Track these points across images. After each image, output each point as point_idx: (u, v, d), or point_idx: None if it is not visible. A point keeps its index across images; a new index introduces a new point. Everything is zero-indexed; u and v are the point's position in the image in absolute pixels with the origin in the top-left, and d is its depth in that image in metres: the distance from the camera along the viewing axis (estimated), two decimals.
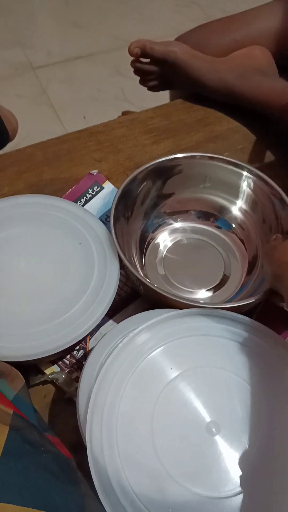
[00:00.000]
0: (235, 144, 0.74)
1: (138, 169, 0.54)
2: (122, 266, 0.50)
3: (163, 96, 0.93)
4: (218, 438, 0.40)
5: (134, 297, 0.55)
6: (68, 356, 0.51)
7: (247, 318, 0.46)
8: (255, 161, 0.72)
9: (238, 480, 0.38)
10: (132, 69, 0.79)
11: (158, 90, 0.83)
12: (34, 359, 0.43)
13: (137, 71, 0.78)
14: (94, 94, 1.71)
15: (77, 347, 0.51)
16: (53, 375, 0.49)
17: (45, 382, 0.50)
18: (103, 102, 1.67)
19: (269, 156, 0.74)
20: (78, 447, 0.41)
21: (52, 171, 0.67)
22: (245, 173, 0.56)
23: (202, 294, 0.55)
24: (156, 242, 0.59)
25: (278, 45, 0.80)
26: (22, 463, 0.32)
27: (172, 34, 0.86)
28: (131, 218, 0.56)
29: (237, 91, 0.74)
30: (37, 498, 0.31)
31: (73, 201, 0.59)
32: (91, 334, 0.52)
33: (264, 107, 0.73)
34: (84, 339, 0.51)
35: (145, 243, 0.58)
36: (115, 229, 0.49)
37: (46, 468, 0.33)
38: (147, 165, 0.54)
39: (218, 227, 0.60)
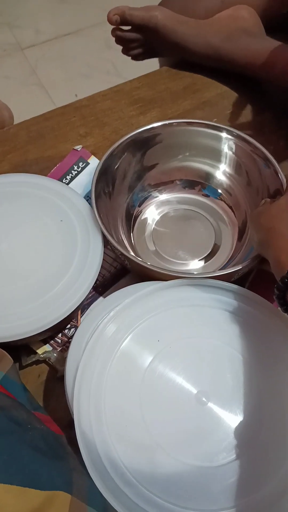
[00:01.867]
0: (224, 110, 0.72)
1: (115, 144, 0.52)
2: (108, 242, 0.49)
3: (156, 67, 0.90)
4: (208, 407, 0.40)
5: (124, 273, 0.54)
6: (60, 335, 0.51)
7: (235, 286, 0.45)
8: (245, 127, 0.70)
9: (230, 449, 0.38)
10: None
11: (143, 59, 0.81)
12: (22, 339, 0.43)
13: (118, 40, 0.76)
14: (85, 71, 1.67)
15: (69, 326, 0.51)
16: (45, 355, 0.49)
17: (38, 362, 0.50)
18: (94, 78, 1.63)
19: (259, 121, 0.71)
20: (72, 424, 0.41)
21: (37, 150, 0.66)
22: (225, 135, 0.54)
23: (195, 264, 0.54)
24: (143, 217, 0.58)
25: (265, 5, 0.77)
26: (7, 441, 0.32)
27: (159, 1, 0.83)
28: (114, 194, 0.54)
29: (224, 54, 0.71)
30: (22, 475, 0.31)
31: (58, 179, 0.58)
32: (82, 311, 0.52)
33: (253, 69, 0.70)
34: (75, 317, 0.51)
35: (131, 219, 0.57)
36: (97, 206, 0.48)
37: (32, 445, 0.33)
38: (124, 138, 0.53)
39: (206, 195, 0.58)
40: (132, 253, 0.53)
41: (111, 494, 0.34)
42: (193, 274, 0.45)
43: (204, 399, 0.40)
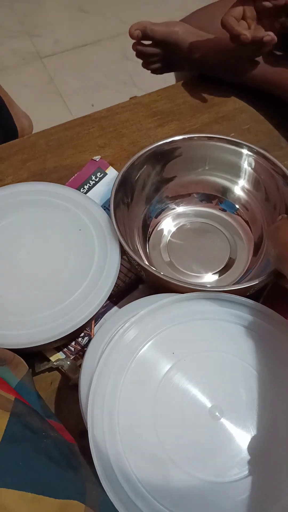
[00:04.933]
0: (241, 125, 0.72)
1: (136, 155, 0.53)
2: (124, 252, 0.49)
3: (172, 80, 0.92)
4: (222, 422, 0.39)
5: (139, 284, 0.55)
6: (73, 343, 0.51)
7: (251, 301, 0.45)
8: (262, 142, 0.70)
9: (242, 465, 0.38)
10: None
11: (162, 73, 0.82)
12: (36, 346, 0.43)
13: (139, 54, 0.77)
14: (102, 81, 1.69)
15: (82, 334, 0.51)
16: (58, 362, 0.49)
17: (51, 369, 0.50)
18: (111, 88, 1.65)
19: (277, 136, 0.72)
20: (83, 433, 0.41)
21: (56, 159, 0.67)
22: (245, 151, 0.55)
23: (209, 278, 0.54)
24: (159, 228, 0.58)
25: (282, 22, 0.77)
26: (22, 449, 0.33)
27: (180, 16, 0.84)
28: (132, 204, 0.55)
29: (243, 69, 0.71)
30: (36, 483, 0.31)
31: (76, 188, 0.59)
32: (96, 320, 0.52)
33: (273, 87, 0.70)
34: (89, 326, 0.52)
35: (148, 229, 0.58)
36: (115, 215, 0.48)
37: (46, 454, 0.33)
38: (145, 150, 0.53)
39: (223, 210, 0.58)
40: (146, 263, 0.53)
41: (123, 506, 0.34)
42: (208, 287, 0.45)
43: (217, 414, 0.40)
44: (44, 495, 0.30)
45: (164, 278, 0.44)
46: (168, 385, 0.41)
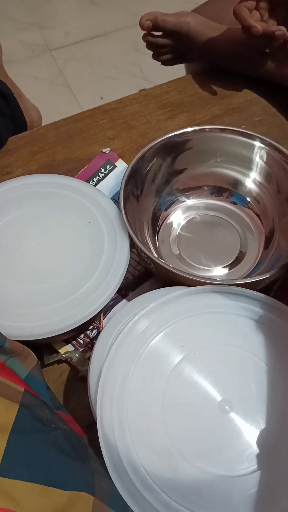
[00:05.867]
0: (253, 117, 0.72)
1: (146, 147, 0.53)
2: (133, 245, 0.49)
3: (182, 72, 0.90)
4: (231, 416, 0.39)
5: (148, 277, 0.54)
6: (82, 336, 0.51)
7: (262, 295, 0.45)
8: (273, 134, 0.70)
9: (252, 459, 0.38)
10: None
11: (172, 64, 0.81)
12: (45, 338, 0.43)
13: (149, 45, 0.76)
14: (111, 73, 1.68)
15: (91, 327, 0.51)
16: (67, 354, 0.49)
17: (60, 361, 0.50)
18: (120, 81, 1.64)
19: None
20: (92, 425, 0.41)
21: (65, 151, 0.66)
22: (257, 143, 0.54)
23: (219, 271, 0.54)
24: (169, 221, 0.58)
25: None
26: (32, 440, 0.33)
27: (191, 7, 0.83)
28: (142, 197, 0.54)
29: (255, 62, 0.70)
30: (45, 475, 0.31)
31: (85, 181, 0.59)
32: (105, 313, 0.52)
33: (285, 79, 0.69)
34: (97, 319, 0.51)
35: (157, 222, 0.57)
36: (124, 208, 0.48)
37: (55, 445, 0.33)
38: (156, 142, 0.53)
39: (233, 203, 0.58)
40: (155, 255, 0.53)
41: (132, 498, 0.34)
42: (218, 280, 0.45)
43: (227, 407, 0.39)
44: (54, 486, 0.30)
45: (174, 271, 0.44)
46: (178, 378, 0.40)
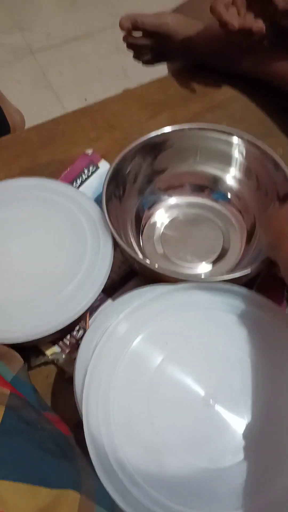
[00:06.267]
0: (234, 113, 0.72)
1: (127, 148, 0.53)
2: (117, 245, 0.49)
3: (165, 72, 0.91)
4: (216, 409, 0.40)
5: (133, 276, 0.55)
6: (68, 337, 0.51)
7: (244, 289, 0.45)
8: (255, 130, 0.70)
9: (237, 451, 0.38)
10: None
11: (153, 64, 0.81)
12: (30, 341, 0.43)
13: (130, 46, 0.76)
14: (94, 74, 1.68)
15: (77, 327, 0.52)
16: (53, 356, 0.49)
17: (46, 363, 0.50)
18: (104, 82, 1.64)
19: (270, 125, 0.71)
20: (79, 425, 0.41)
21: (48, 154, 0.67)
22: (235, 140, 0.54)
23: (203, 268, 0.55)
24: (152, 220, 0.58)
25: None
26: (17, 440, 0.33)
27: (173, 7, 0.83)
28: (124, 197, 0.55)
29: (235, 58, 0.71)
30: (31, 474, 0.31)
31: (69, 183, 0.59)
32: (91, 314, 0.52)
33: (265, 75, 0.70)
34: (83, 319, 0.52)
35: (141, 221, 0.58)
36: (107, 209, 0.48)
37: (41, 445, 0.34)
38: (136, 143, 0.53)
39: (215, 200, 0.58)
40: (140, 255, 0.53)
41: (119, 495, 0.35)
42: (201, 277, 0.45)
43: (211, 401, 0.40)
44: (40, 485, 0.31)
45: (156, 270, 0.44)
46: (162, 374, 0.41)
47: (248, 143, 0.54)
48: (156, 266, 0.45)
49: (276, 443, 0.39)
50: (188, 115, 0.72)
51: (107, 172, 0.51)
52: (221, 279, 0.45)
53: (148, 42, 0.75)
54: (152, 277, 0.47)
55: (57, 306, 0.44)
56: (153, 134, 0.54)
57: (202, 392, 0.40)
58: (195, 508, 0.35)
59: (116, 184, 0.53)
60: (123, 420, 0.38)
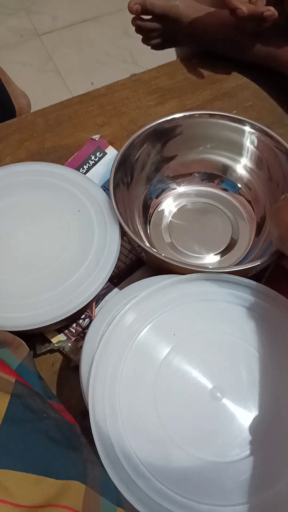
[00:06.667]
0: (244, 102, 0.71)
1: (136, 133, 0.52)
2: (124, 233, 0.49)
3: (173, 57, 0.89)
4: (223, 403, 0.39)
5: (140, 265, 0.54)
6: (74, 325, 0.51)
7: (253, 282, 0.45)
8: (265, 119, 0.69)
9: (244, 445, 0.38)
10: None
11: (162, 48, 0.80)
12: (37, 328, 0.43)
13: (138, 29, 0.75)
14: (101, 58, 1.65)
15: (83, 316, 0.51)
16: (59, 344, 0.49)
17: (52, 351, 0.50)
18: (111, 66, 1.62)
19: (280, 113, 0.70)
20: (85, 413, 0.41)
21: (54, 138, 0.66)
22: (247, 128, 0.53)
23: (210, 259, 0.54)
24: (160, 208, 0.57)
25: None
26: (23, 430, 0.33)
27: None
28: (132, 185, 0.54)
29: (245, 45, 0.69)
30: (37, 464, 0.31)
31: (75, 169, 0.58)
32: (97, 302, 0.52)
33: (275, 62, 0.69)
34: (89, 308, 0.51)
35: (148, 210, 0.57)
36: (115, 196, 0.47)
37: (47, 435, 0.34)
38: (145, 128, 0.52)
39: (224, 189, 0.57)
40: (147, 244, 0.53)
41: (124, 486, 0.35)
42: (209, 268, 0.44)
43: (219, 394, 0.39)
44: (45, 476, 0.30)
45: (165, 259, 0.44)
46: (169, 366, 0.40)
47: (260, 132, 0.53)
48: (163, 255, 0.44)
49: (284, 437, 0.38)
50: (197, 102, 0.70)
51: (115, 158, 0.50)
52: (230, 271, 0.44)
53: (157, 25, 0.74)
54: (159, 267, 0.46)
55: (64, 295, 0.44)
56: (162, 120, 0.53)
57: (209, 385, 0.40)
58: (201, 502, 0.35)
59: (124, 171, 0.52)
60: (130, 411, 0.38)
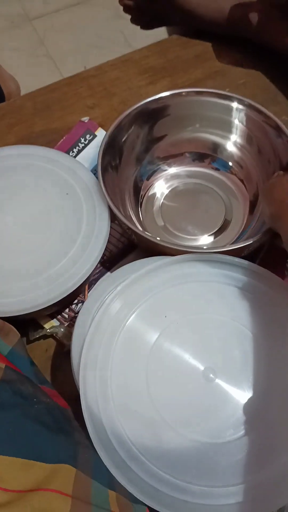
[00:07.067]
0: (237, 79, 0.69)
1: (123, 114, 0.50)
2: (115, 216, 0.48)
3: (166, 36, 0.87)
4: (216, 383, 0.39)
5: (132, 249, 0.53)
6: (67, 310, 0.50)
7: (245, 262, 0.44)
8: (258, 96, 0.67)
9: (238, 425, 0.38)
10: None
11: (152, 28, 0.78)
12: (27, 314, 0.42)
13: (127, 9, 0.73)
14: (94, 41, 1.62)
15: (76, 301, 0.51)
16: (52, 329, 0.48)
17: (45, 337, 0.50)
18: (104, 49, 1.59)
19: (273, 91, 0.68)
20: (78, 398, 0.41)
21: (43, 122, 0.64)
22: (235, 105, 0.52)
23: (204, 240, 0.53)
24: (152, 191, 0.56)
25: None
26: (12, 415, 0.32)
27: None
28: (121, 166, 0.53)
29: (237, 20, 0.68)
30: (26, 448, 0.31)
31: (65, 152, 0.57)
32: (90, 286, 0.51)
33: (269, 39, 0.67)
34: (82, 292, 0.51)
35: (140, 192, 0.56)
36: (103, 179, 0.47)
37: (37, 419, 0.33)
38: (132, 109, 0.51)
39: (216, 169, 0.56)
40: (139, 228, 0.52)
41: (117, 468, 0.34)
42: (202, 249, 0.44)
43: (211, 375, 0.39)
44: (35, 460, 0.30)
45: (154, 240, 0.43)
46: (161, 348, 0.40)
47: (249, 107, 0.51)
48: (152, 236, 0.43)
49: (278, 417, 0.38)
50: (189, 81, 0.69)
51: (102, 140, 0.49)
52: (222, 250, 0.43)
53: (146, 4, 0.72)
54: (152, 250, 0.45)
55: (53, 279, 0.43)
56: (149, 99, 0.52)
57: (202, 366, 0.39)
58: (194, 483, 0.35)
59: (112, 153, 0.51)
60: (121, 394, 0.38)
